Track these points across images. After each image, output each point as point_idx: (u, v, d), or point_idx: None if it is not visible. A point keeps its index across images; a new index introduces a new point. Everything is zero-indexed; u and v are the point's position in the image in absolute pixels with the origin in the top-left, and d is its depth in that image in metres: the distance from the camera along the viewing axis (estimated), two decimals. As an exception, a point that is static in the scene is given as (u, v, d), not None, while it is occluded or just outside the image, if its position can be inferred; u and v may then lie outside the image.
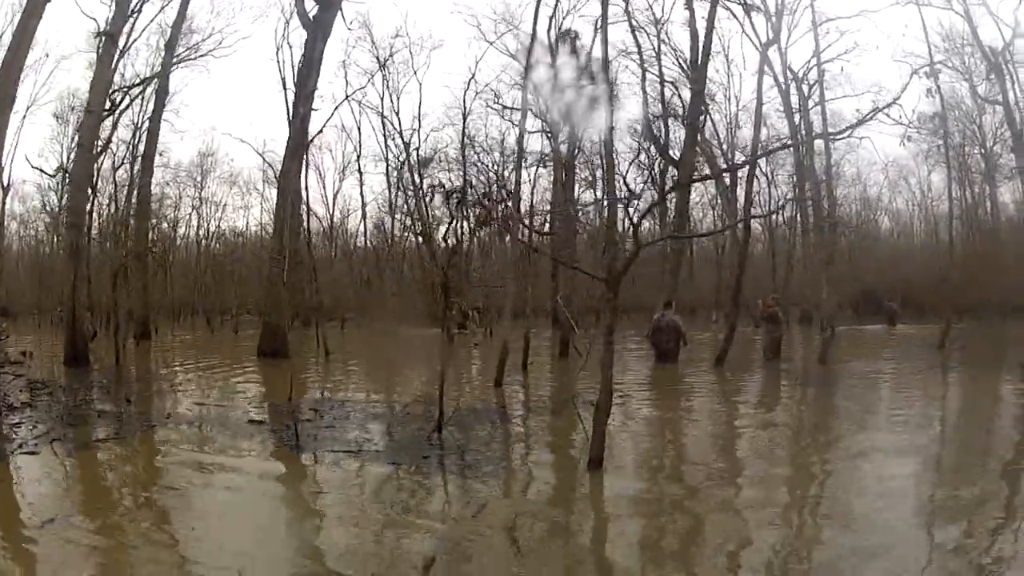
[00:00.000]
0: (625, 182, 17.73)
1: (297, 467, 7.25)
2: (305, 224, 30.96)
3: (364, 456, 7.40)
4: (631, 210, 9.49)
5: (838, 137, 32.80)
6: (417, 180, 40.30)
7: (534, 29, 17.75)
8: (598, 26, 23.41)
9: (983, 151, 38.91)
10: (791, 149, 28.93)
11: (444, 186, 25.61)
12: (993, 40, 30.26)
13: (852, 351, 20.09)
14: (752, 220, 27.57)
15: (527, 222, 23.05)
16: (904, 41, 62.06)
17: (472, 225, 21.27)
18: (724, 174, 26.71)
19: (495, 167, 38.14)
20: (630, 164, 35.31)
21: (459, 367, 17.23)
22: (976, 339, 21.70)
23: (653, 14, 27.90)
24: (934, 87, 22.52)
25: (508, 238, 18.31)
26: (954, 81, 35.60)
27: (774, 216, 43.12)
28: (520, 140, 20.70)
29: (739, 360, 16.63)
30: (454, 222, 14.60)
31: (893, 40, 35.22)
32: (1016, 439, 8.40)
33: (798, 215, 40.07)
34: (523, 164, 34.81)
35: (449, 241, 17.68)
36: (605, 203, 19.76)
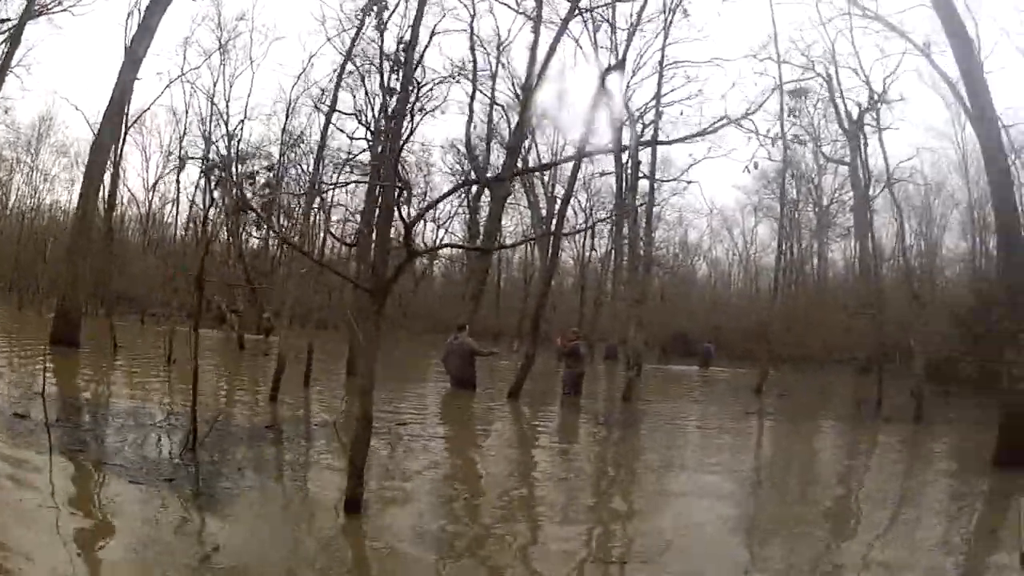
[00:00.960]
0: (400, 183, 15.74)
1: (28, 469, 6.09)
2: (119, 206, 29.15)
3: (105, 469, 6.44)
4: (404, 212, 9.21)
5: (668, 180, 33.78)
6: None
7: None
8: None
9: (817, 208, 40.71)
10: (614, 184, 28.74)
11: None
12: (850, 106, 31.56)
13: (661, 391, 19.84)
14: (561, 250, 26.50)
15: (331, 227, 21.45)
16: (753, 91, 65.03)
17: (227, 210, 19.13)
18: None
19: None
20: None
21: (242, 376, 16.29)
22: (795, 386, 22.16)
23: (498, 35, 26.78)
24: (778, 141, 22.96)
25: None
26: (797, 140, 36.94)
27: (589, 252, 43.23)
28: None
29: (537, 393, 15.84)
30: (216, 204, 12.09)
31: (743, 90, 36.60)
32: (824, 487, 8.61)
33: (612, 252, 39.80)
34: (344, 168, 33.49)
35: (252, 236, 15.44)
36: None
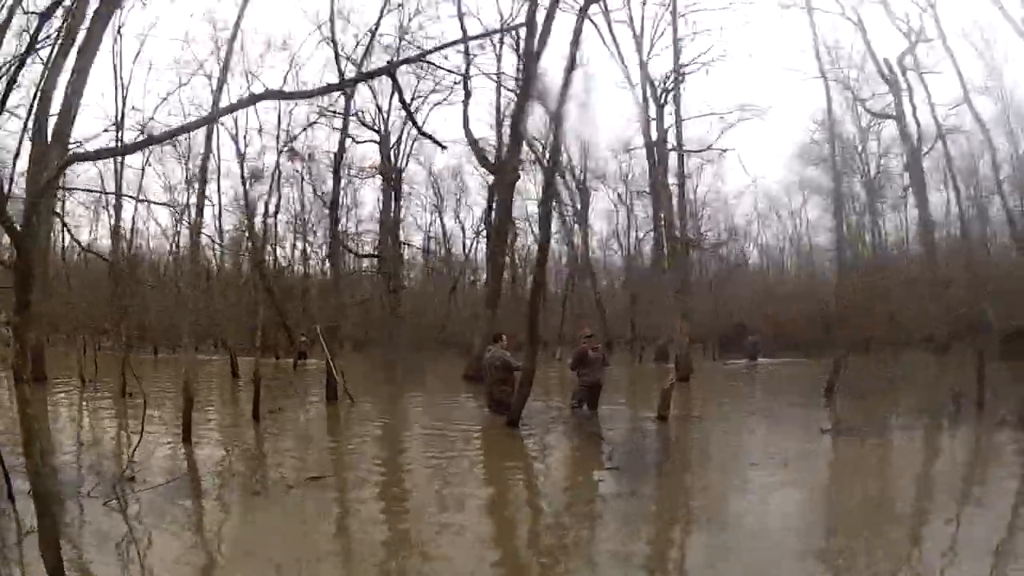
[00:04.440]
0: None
1: None
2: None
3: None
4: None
5: (698, 151, 30.44)
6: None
7: None
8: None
9: (864, 179, 36.90)
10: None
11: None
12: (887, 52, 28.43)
13: (709, 398, 16.35)
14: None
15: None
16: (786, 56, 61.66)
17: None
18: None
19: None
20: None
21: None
22: (869, 381, 16.64)
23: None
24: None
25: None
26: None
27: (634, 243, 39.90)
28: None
29: (550, 411, 12.90)
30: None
31: (775, 52, 33.84)
32: None
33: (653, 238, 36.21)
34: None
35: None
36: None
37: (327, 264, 39.00)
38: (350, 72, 23.50)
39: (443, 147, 22.78)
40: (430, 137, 23.73)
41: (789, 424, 12.28)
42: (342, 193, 38.84)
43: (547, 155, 31.04)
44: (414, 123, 24.64)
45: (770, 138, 58.54)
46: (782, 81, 69.68)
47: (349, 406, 14.10)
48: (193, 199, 33.35)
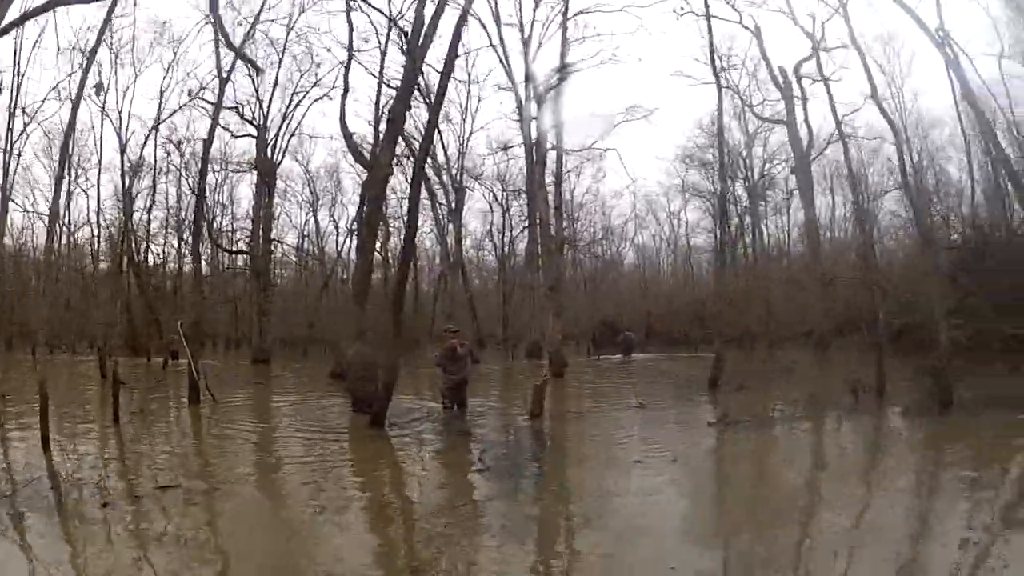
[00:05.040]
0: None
1: None
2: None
3: None
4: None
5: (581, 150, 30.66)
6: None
7: None
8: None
9: (748, 183, 38.39)
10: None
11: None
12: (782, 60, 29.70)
13: (587, 393, 16.02)
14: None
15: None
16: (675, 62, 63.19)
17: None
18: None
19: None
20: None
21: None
22: (751, 373, 16.72)
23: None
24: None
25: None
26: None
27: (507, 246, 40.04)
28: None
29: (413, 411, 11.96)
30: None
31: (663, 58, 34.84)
32: None
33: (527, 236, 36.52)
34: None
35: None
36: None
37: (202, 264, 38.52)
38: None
39: (260, 71, 22.89)
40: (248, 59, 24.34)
41: (674, 419, 11.88)
42: (219, 190, 38.21)
43: (420, 146, 30.70)
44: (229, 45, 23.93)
45: (652, 142, 60.14)
46: (667, 86, 71.71)
47: (213, 407, 13.24)
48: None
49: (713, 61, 20.20)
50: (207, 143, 26.69)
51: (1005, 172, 22.62)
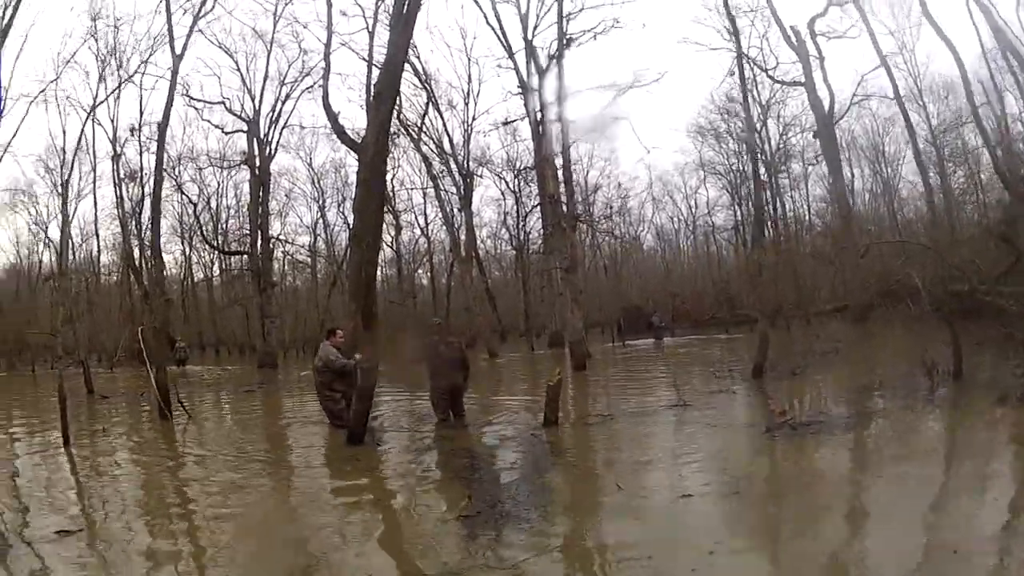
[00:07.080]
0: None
1: None
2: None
3: None
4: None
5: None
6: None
7: None
8: None
9: (764, 156, 36.66)
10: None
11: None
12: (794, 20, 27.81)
13: (614, 390, 13.91)
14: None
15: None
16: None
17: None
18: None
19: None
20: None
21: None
22: (796, 355, 14.20)
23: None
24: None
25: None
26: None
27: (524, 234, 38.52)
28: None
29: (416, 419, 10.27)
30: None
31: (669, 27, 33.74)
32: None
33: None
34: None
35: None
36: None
37: (214, 269, 40.82)
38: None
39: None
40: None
41: (721, 421, 8.87)
42: (223, 194, 37.59)
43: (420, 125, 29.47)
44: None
45: (663, 118, 57.91)
46: (675, 59, 69.70)
47: (186, 423, 11.74)
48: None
49: (729, 15, 18.44)
50: (162, 125, 25.90)
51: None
